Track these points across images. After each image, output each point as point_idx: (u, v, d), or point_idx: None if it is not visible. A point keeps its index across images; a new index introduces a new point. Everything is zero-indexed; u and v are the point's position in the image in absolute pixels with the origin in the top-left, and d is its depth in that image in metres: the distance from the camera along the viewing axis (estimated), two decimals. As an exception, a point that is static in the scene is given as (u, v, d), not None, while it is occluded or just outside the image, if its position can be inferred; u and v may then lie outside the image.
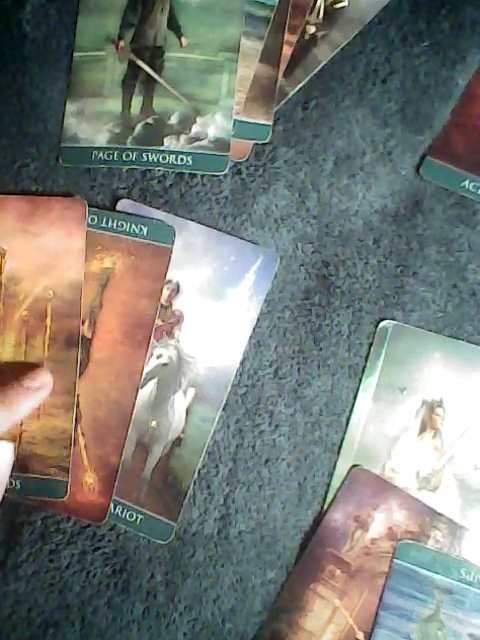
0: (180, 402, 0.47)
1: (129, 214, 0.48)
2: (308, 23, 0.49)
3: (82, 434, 0.46)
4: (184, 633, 0.46)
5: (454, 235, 0.48)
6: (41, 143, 0.50)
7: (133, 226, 0.47)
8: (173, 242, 0.47)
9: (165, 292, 0.47)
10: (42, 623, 0.47)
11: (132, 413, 0.46)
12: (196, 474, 0.47)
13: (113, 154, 0.49)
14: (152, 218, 0.48)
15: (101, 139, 0.49)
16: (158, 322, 0.47)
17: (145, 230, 0.47)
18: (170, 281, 0.47)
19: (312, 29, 0.49)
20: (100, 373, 0.46)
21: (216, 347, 0.47)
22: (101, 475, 0.46)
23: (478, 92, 0.48)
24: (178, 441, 0.47)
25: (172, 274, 0.47)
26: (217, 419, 0.47)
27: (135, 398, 0.46)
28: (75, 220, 0.46)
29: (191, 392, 0.47)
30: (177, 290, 0.47)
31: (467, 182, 0.48)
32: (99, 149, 0.49)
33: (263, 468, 0.47)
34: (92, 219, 0.47)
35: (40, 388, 0.44)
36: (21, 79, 0.50)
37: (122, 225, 0.47)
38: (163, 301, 0.47)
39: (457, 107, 0.48)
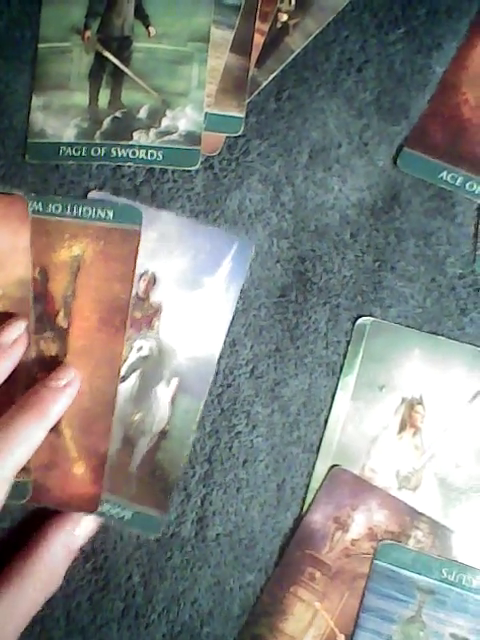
0: (164, 393, 0.46)
1: (94, 200, 0.47)
2: (280, 11, 0.48)
3: (68, 426, 0.45)
4: (163, 635, 0.46)
5: (432, 228, 0.47)
6: (7, 139, 0.48)
7: (99, 211, 0.46)
8: (141, 224, 0.46)
9: (142, 284, 0.46)
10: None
11: (116, 399, 0.45)
12: (183, 465, 0.46)
13: (81, 150, 0.47)
14: (117, 202, 0.47)
15: (69, 134, 0.47)
16: (137, 314, 0.46)
17: (111, 214, 0.46)
18: (146, 272, 0.46)
19: (284, 17, 0.48)
20: (80, 362, 0.45)
21: (196, 336, 0.46)
22: (91, 465, 0.45)
23: (455, 80, 0.47)
24: (164, 434, 0.46)
25: (148, 265, 0.46)
26: (202, 409, 0.46)
27: (117, 384, 0.46)
28: (18, 217, 0.45)
29: (174, 382, 0.46)
30: (154, 281, 0.46)
31: (445, 173, 0.47)
32: (66, 145, 0.47)
33: (240, 470, 0.46)
34: (56, 208, 0.46)
35: (68, 385, 0.43)
36: (-16, 72, 0.48)
37: (88, 211, 0.46)
38: (140, 293, 0.46)
39: (434, 96, 0.47)
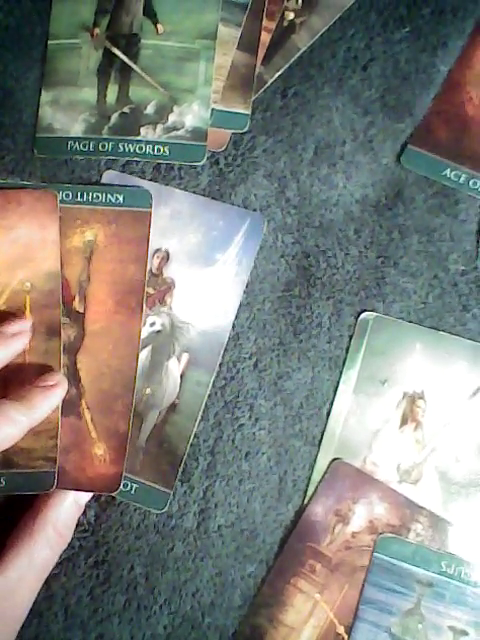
0: (174, 368, 0.47)
1: (103, 184, 0.48)
2: (286, 9, 0.48)
3: (87, 408, 0.46)
4: (164, 626, 0.46)
5: (435, 225, 0.47)
6: (17, 134, 0.49)
7: (108, 196, 0.47)
8: (151, 205, 0.47)
9: (155, 261, 0.47)
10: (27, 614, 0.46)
11: (135, 377, 0.46)
12: (191, 439, 0.46)
13: (89, 144, 0.48)
14: (126, 185, 0.48)
15: (77, 129, 0.48)
16: (149, 290, 0.47)
17: (121, 198, 0.47)
18: (159, 249, 0.47)
19: (291, 15, 0.48)
20: (98, 345, 0.46)
21: (208, 312, 0.47)
22: (111, 445, 0.46)
23: (460, 79, 0.48)
24: (173, 407, 0.46)
25: (161, 242, 0.47)
26: (211, 383, 0.47)
27: (136, 363, 0.46)
28: (47, 211, 0.46)
29: (185, 357, 0.47)
30: (167, 258, 0.47)
31: (448, 171, 0.47)
32: (75, 139, 0.48)
33: (243, 462, 0.47)
34: (67, 195, 0.47)
35: (55, 386, 0.44)
36: (-5, 68, 0.49)
37: (98, 196, 0.47)
38: (154, 269, 0.47)
39: (439, 94, 0.48)
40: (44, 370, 0.45)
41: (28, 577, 0.41)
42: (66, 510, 0.44)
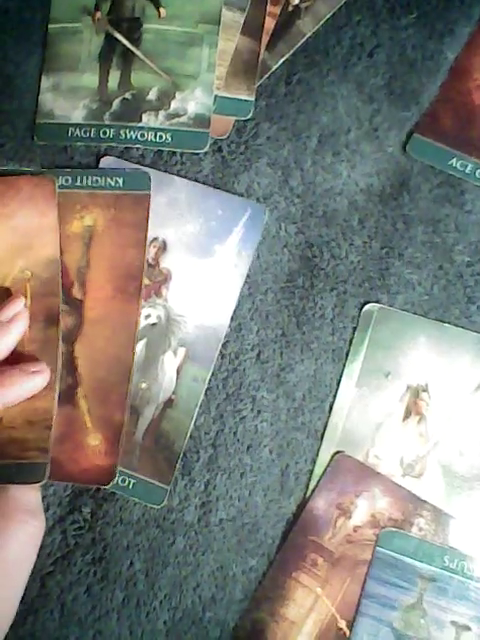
0: (170, 362, 0.46)
1: (102, 168, 0.47)
2: (292, -6, 0.47)
3: (84, 397, 0.45)
4: (164, 621, 0.46)
5: (441, 215, 0.46)
6: (17, 120, 0.48)
7: (108, 179, 0.46)
8: (150, 188, 0.46)
9: (151, 250, 0.46)
10: (22, 611, 0.46)
11: (132, 366, 0.45)
12: (188, 436, 0.46)
13: (90, 131, 0.47)
14: (125, 168, 0.47)
15: (77, 115, 0.47)
16: (146, 281, 0.46)
17: (120, 181, 0.46)
18: (156, 239, 0.46)
19: (296, 0, 0.47)
20: (96, 332, 0.45)
21: (205, 305, 0.46)
22: (106, 435, 0.45)
23: (467, 66, 0.47)
24: (170, 402, 0.46)
25: (158, 231, 0.46)
26: (208, 378, 0.46)
27: (134, 351, 0.45)
28: (45, 198, 0.45)
29: (181, 352, 0.46)
30: (164, 248, 0.46)
31: (455, 160, 0.46)
32: (75, 126, 0.47)
33: (245, 455, 0.46)
34: (66, 180, 0.46)
35: (36, 373, 0.42)
36: (-6, 52, 0.48)
37: (97, 180, 0.46)
38: (150, 259, 0.46)
39: (445, 82, 0.47)
40: (42, 359, 0.44)
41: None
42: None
